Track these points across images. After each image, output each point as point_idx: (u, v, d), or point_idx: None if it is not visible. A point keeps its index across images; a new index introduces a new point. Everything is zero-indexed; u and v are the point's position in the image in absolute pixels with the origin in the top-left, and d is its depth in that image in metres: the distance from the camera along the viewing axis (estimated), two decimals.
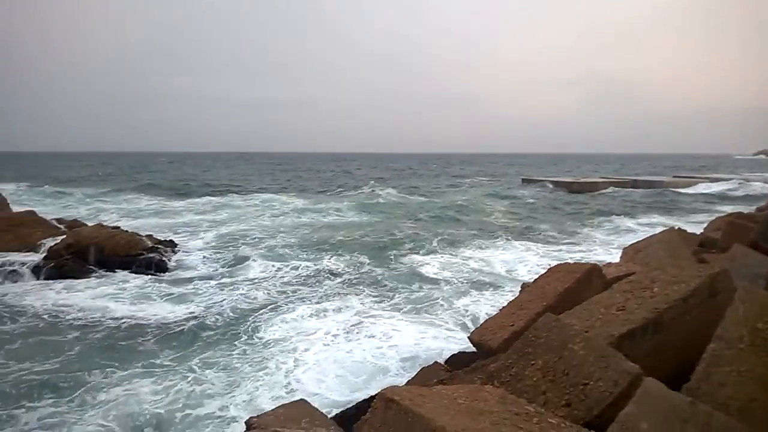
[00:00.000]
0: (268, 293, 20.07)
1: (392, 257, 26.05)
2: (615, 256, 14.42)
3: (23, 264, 23.86)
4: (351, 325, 15.73)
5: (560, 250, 28.50)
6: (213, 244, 30.61)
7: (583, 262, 7.32)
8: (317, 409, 7.08)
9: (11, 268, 23.39)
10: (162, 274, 23.30)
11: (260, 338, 15.08)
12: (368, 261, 25.27)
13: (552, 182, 74.67)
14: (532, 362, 4.50)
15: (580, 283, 6.66)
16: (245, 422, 6.58)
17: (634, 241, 10.60)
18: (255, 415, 6.79)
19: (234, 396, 11.40)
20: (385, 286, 20.51)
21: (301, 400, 7.41)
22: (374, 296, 18.98)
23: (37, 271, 23.31)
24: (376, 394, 4.02)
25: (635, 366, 4.13)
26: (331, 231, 34.91)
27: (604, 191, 65.40)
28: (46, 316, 17.09)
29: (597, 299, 5.71)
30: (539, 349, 4.53)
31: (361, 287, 20.57)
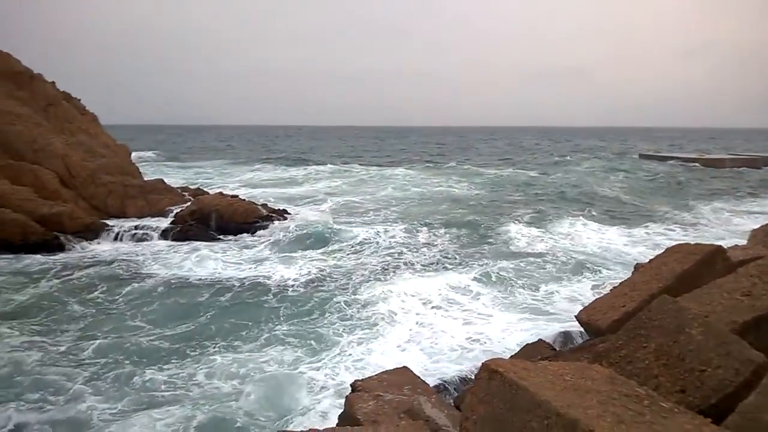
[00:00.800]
0: (375, 260, 20.69)
1: (494, 231, 25.72)
2: (741, 239, 13.31)
3: (153, 228, 26.34)
4: (452, 297, 15.87)
5: (676, 231, 26.69)
6: (326, 211, 31.94)
7: (704, 243, 6.85)
8: (419, 377, 7.29)
9: (143, 231, 25.87)
10: (274, 239, 24.67)
11: (365, 304, 15.65)
12: (471, 233, 25.18)
13: (672, 158, 69.48)
14: (645, 345, 4.33)
15: (701, 265, 6.25)
16: (350, 384, 6.92)
17: (765, 223, 9.72)
18: (360, 378, 7.13)
19: (341, 359, 11.98)
20: (487, 260, 20.36)
21: (404, 367, 7.65)
22: (477, 270, 18.93)
23: (165, 234, 25.61)
24: (480, 365, 4.09)
25: (760, 355, 3.87)
26: (440, 203, 35.11)
27: (729, 169, 59.94)
28: (174, 278, 18.79)
29: (719, 283, 5.35)
30: (653, 331, 4.35)
31: (464, 260, 20.59)
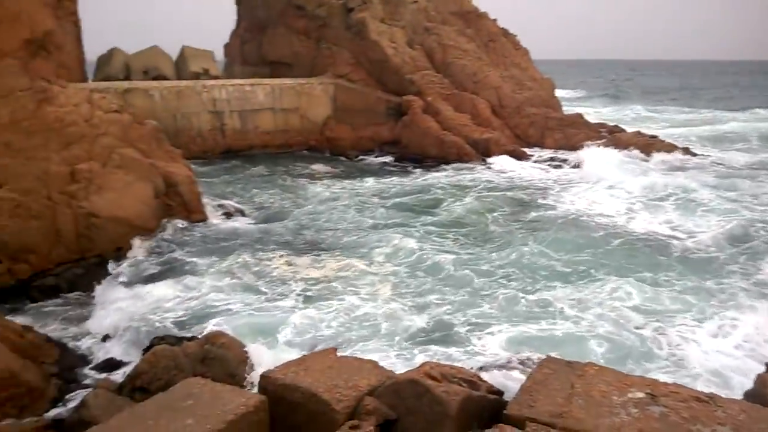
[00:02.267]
0: None
1: None
2: None
3: (565, 160, 27.69)
4: None
5: None
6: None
7: None
8: None
9: (556, 163, 27.69)
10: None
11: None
12: None
13: None
14: None
15: None
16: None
17: None
18: None
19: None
20: None
21: None
22: None
23: (576, 167, 26.64)
24: None
25: None
26: None
27: None
28: (576, 216, 19.71)
29: None
30: None
31: None
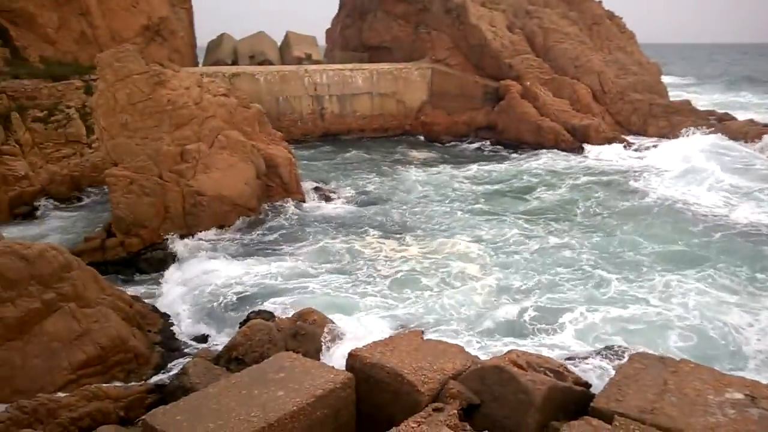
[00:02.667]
0: None
1: None
2: None
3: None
4: None
5: None
6: None
7: None
8: None
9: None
10: None
11: None
12: None
13: None
14: None
15: None
16: None
17: None
18: None
19: None
20: None
21: None
22: None
23: None
24: None
25: None
26: None
27: None
28: (671, 203, 18.74)
29: None
30: None
31: None
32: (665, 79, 35.36)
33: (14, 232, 15.57)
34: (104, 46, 24.42)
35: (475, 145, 30.27)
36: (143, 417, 5.65)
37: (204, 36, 37.82)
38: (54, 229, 16.82)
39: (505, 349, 7.79)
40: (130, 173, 15.48)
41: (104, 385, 8.50)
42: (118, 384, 8.73)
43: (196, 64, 33.76)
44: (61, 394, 8.18)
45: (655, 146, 26.59)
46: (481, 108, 31.96)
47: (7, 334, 8.61)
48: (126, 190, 15.21)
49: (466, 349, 6.95)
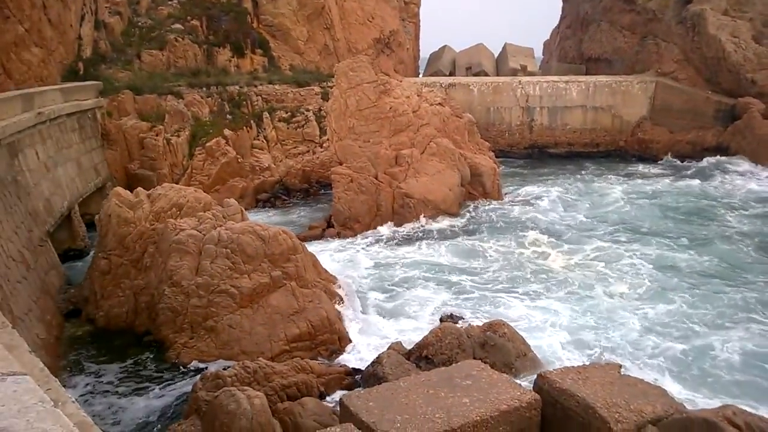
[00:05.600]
0: None
1: None
2: None
3: None
4: None
5: None
6: None
7: None
8: None
9: None
10: None
11: None
12: None
13: None
14: None
15: None
16: None
17: None
18: None
19: None
20: None
21: None
22: None
23: None
24: None
25: None
26: None
27: None
28: None
29: None
30: None
31: None
32: None
33: (256, 215, 18.15)
34: (342, 57, 27.19)
35: (694, 166, 26.36)
36: (341, 397, 6.23)
37: (427, 47, 39.76)
38: (285, 215, 19.26)
39: (717, 404, 6.98)
40: (351, 172, 17.09)
41: (311, 360, 9.59)
42: (322, 361, 9.76)
43: (417, 75, 35.66)
44: (275, 364, 9.44)
45: None
46: (711, 127, 28.38)
47: (241, 302, 10.20)
48: (346, 187, 16.85)
49: (670, 393, 6.41)
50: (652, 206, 19.91)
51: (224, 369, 8.74)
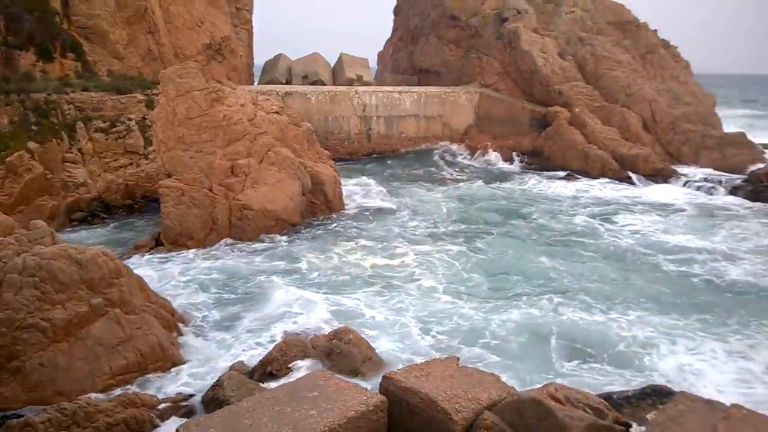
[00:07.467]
0: None
1: None
2: None
3: (720, 182, 25.19)
4: None
5: None
6: None
7: None
8: None
9: (710, 184, 25.09)
10: None
11: None
12: None
13: None
14: None
15: None
16: None
17: None
18: None
19: None
20: None
21: None
22: None
23: (734, 191, 24.10)
24: None
25: None
26: None
27: None
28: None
29: None
30: None
31: None
32: (722, 110, 34.14)
33: (70, 237, 16.22)
34: (168, 63, 25.50)
35: (511, 168, 29.94)
36: (178, 427, 5.72)
37: (262, 55, 39.04)
38: (106, 236, 17.46)
39: (543, 382, 7.58)
40: (182, 185, 15.99)
41: (141, 392, 8.69)
42: (153, 392, 8.90)
43: (252, 83, 34.77)
44: (101, 397, 8.41)
45: (711, 179, 25.62)
46: (528, 133, 31.66)
47: (54, 336, 8.93)
48: (176, 201, 15.71)
49: (503, 379, 6.79)
50: (468, 207, 21.67)
51: (36, 415, 7.58)
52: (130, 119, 21.53)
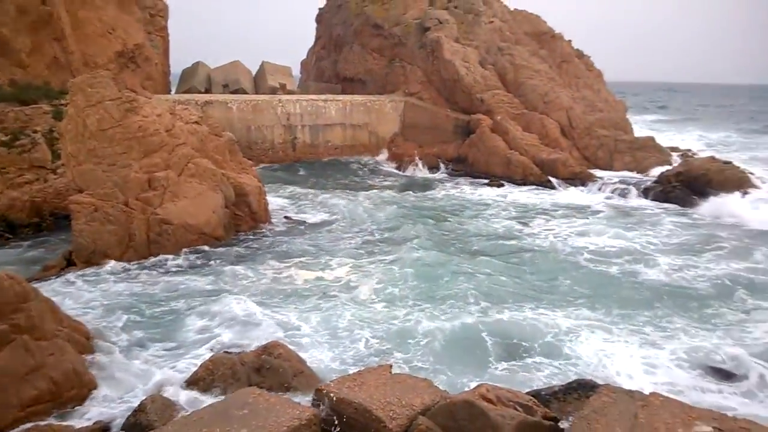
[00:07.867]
0: None
1: None
2: None
3: (632, 184, 26.75)
4: None
5: None
6: None
7: None
8: None
9: (623, 186, 26.61)
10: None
11: None
12: None
13: None
14: None
15: None
16: None
17: None
18: None
19: None
20: None
21: None
22: None
23: (646, 192, 25.65)
24: None
25: None
26: None
27: None
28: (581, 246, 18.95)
29: None
30: None
31: None
32: (633, 116, 36.36)
33: None
34: (77, 72, 24.07)
35: (436, 176, 30.51)
36: None
37: (179, 64, 37.75)
38: (11, 256, 16.21)
39: (476, 383, 7.67)
40: (94, 200, 15.09)
41: (55, 423, 8.07)
42: (70, 422, 8.30)
43: (169, 92, 33.52)
44: None
45: (625, 181, 27.11)
46: (452, 141, 32.36)
47: None
48: (89, 218, 14.80)
49: (435, 384, 6.81)
50: (397, 215, 21.81)
51: None
52: (35, 131, 20.11)
